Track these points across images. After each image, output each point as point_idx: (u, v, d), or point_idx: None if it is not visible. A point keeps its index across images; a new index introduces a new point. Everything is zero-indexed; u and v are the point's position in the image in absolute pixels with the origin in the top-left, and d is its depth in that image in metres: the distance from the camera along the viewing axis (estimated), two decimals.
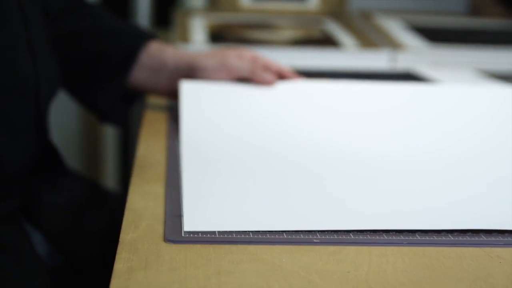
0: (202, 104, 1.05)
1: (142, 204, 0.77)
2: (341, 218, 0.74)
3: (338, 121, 1.03)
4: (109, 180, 2.27)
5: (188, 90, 1.08)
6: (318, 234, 0.70)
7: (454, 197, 0.81)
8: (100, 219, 1.09)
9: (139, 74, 1.13)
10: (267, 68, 1.13)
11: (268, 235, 0.70)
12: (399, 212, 0.76)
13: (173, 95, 1.12)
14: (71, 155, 2.11)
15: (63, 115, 2.12)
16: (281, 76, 1.14)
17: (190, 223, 0.71)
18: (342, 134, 0.99)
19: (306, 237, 0.70)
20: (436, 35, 1.67)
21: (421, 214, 0.76)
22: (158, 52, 1.14)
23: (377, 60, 1.47)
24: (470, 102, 1.10)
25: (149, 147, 0.95)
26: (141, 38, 1.15)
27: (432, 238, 0.70)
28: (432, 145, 0.97)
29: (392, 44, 1.56)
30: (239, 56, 1.13)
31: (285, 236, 0.70)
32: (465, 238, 0.71)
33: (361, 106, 1.08)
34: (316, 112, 1.06)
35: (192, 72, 1.11)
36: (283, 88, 1.11)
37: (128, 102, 1.17)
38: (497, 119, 1.06)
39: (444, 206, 0.78)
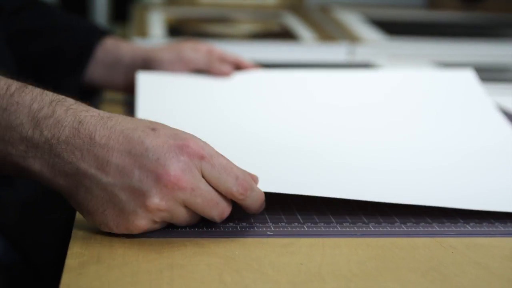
0: (159, 94, 1.05)
1: None
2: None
3: (295, 108, 1.04)
4: None
5: (145, 80, 1.07)
6: (272, 227, 0.70)
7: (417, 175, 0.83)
8: (57, 215, 1.08)
9: (95, 70, 1.13)
10: (223, 59, 1.13)
11: (221, 228, 0.70)
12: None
13: (129, 90, 1.12)
14: None
15: None
16: (238, 66, 1.14)
17: None
18: (299, 121, 1.00)
19: (260, 229, 0.70)
20: (394, 28, 1.68)
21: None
22: (114, 48, 1.13)
23: (336, 53, 1.48)
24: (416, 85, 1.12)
25: None
26: (96, 34, 1.15)
27: (385, 229, 0.71)
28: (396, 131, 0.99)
29: (350, 37, 1.57)
30: (194, 49, 1.13)
31: (239, 229, 0.70)
32: (418, 229, 0.71)
33: (318, 94, 1.08)
34: (273, 100, 1.06)
35: (148, 66, 1.11)
36: (240, 78, 1.12)
37: (85, 99, 1.16)
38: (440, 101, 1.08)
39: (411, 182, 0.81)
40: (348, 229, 0.71)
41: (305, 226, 0.71)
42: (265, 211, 0.73)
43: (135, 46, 1.15)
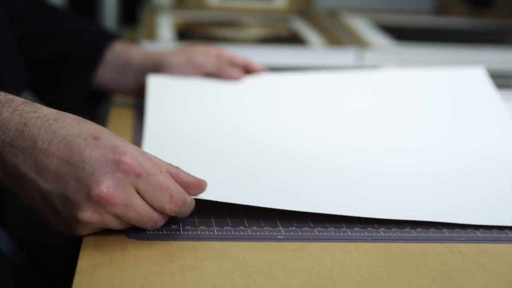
0: (169, 98, 1.05)
1: None
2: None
3: (306, 111, 1.04)
4: None
5: (155, 84, 1.08)
6: (282, 231, 0.71)
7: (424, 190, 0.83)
8: None
9: (105, 74, 1.13)
10: (232, 63, 1.13)
11: (232, 231, 0.70)
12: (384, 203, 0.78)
13: (139, 94, 1.12)
14: None
15: None
16: (248, 70, 1.15)
17: None
18: (311, 124, 1.00)
19: (270, 233, 0.70)
20: (402, 34, 1.68)
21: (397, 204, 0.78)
22: (124, 51, 1.14)
23: (344, 58, 1.48)
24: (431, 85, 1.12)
25: None
26: (106, 38, 1.15)
27: (395, 234, 0.71)
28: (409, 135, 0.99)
29: (359, 42, 1.57)
30: (204, 52, 1.13)
31: (249, 233, 0.70)
32: (428, 234, 0.71)
33: (329, 96, 1.09)
34: (283, 104, 1.06)
35: (158, 70, 1.11)
36: (249, 82, 1.12)
37: (94, 102, 1.17)
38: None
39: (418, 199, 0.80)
40: (358, 234, 0.71)
41: (315, 231, 0.71)
42: (275, 215, 0.73)
43: (145, 50, 1.16)
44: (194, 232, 0.70)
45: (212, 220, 0.72)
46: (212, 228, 0.70)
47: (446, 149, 0.95)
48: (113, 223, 0.68)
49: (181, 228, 0.70)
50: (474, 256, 0.68)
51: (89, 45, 1.14)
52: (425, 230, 0.72)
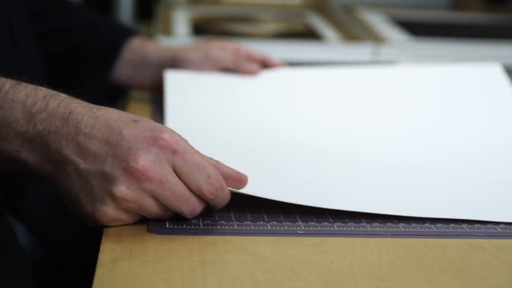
0: (187, 93, 1.05)
1: None
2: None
3: (324, 106, 1.04)
4: None
5: (173, 79, 1.08)
6: (302, 226, 0.71)
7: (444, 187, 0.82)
8: None
9: (123, 69, 1.14)
10: (250, 57, 1.14)
11: (252, 226, 0.70)
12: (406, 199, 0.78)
13: (156, 89, 1.12)
14: None
15: None
16: (265, 64, 1.15)
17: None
18: (329, 119, 1.00)
19: (290, 228, 0.70)
20: (418, 29, 1.67)
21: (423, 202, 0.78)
22: (141, 47, 1.14)
23: (360, 53, 1.48)
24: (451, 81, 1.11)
25: None
26: (124, 34, 1.16)
27: (415, 230, 0.71)
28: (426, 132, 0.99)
29: (374, 37, 1.57)
30: (222, 48, 1.13)
31: (269, 228, 0.70)
32: (448, 230, 0.71)
33: (347, 91, 1.09)
34: (302, 98, 1.06)
35: (176, 65, 1.11)
36: (267, 76, 1.12)
37: (111, 97, 1.17)
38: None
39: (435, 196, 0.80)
40: (378, 229, 0.71)
41: (335, 226, 0.71)
42: (295, 210, 0.74)
43: (162, 45, 1.16)
44: (214, 227, 0.70)
45: (232, 215, 0.72)
46: (231, 223, 0.70)
47: (462, 146, 0.94)
48: (149, 203, 0.67)
49: (200, 223, 0.70)
50: (494, 252, 0.67)
51: (107, 40, 1.14)
52: (445, 226, 0.72)
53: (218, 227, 0.70)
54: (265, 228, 0.70)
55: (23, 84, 0.72)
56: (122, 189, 0.66)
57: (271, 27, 1.73)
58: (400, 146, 0.94)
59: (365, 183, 0.81)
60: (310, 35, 1.64)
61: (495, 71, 1.11)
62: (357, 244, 0.68)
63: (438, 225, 0.72)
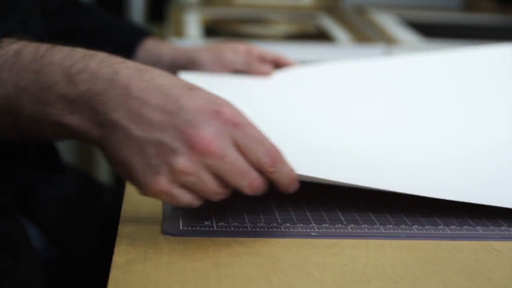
0: None
1: (140, 197, 0.76)
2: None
3: (340, 102, 1.04)
4: (103, 173, 2.27)
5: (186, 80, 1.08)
6: (315, 227, 0.71)
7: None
8: (95, 212, 1.09)
9: None
10: (262, 58, 1.14)
11: (265, 228, 0.70)
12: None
13: None
14: (65, 148, 2.10)
15: None
16: (278, 64, 1.15)
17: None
18: (348, 114, 1.00)
19: (304, 230, 0.70)
20: (430, 30, 1.67)
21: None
22: (155, 48, 1.14)
23: (372, 55, 1.48)
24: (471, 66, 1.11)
25: None
26: (137, 34, 1.16)
27: (429, 232, 0.71)
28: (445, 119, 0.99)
29: (386, 39, 1.57)
30: (234, 50, 1.13)
31: (283, 229, 0.70)
32: (462, 232, 0.71)
33: (363, 84, 1.08)
34: (316, 95, 1.06)
35: (189, 67, 1.12)
36: (279, 76, 1.12)
37: None
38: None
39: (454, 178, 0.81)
40: (391, 231, 0.71)
41: (348, 228, 0.71)
42: (307, 211, 0.74)
43: (176, 46, 1.16)
44: (228, 229, 0.70)
45: (246, 217, 0.72)
46: (245, 225, 0.70)
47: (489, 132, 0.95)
48: (207, 178, 0.65)
49: (214, 225, 0.70)
50: (509, 254, 0.67)
51: (120, 40, 1.14)
52: (458, 228, 0.72)
53: (232, 229, 0.70)
54: (279, 230, 0.70)
55: (58, 47, 0.69)
56: (182, 161, 0.64)
57: (283, 28, 1.73)
58: (431, 133, 0.95)
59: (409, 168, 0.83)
60: (321, 36, 1.63)
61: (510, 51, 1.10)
62: (371, 246, 0.68)
63: (452, 227, 0.72)
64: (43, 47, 0.69)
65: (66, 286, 0.99)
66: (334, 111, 1.01)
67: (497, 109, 1.00)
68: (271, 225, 0.71)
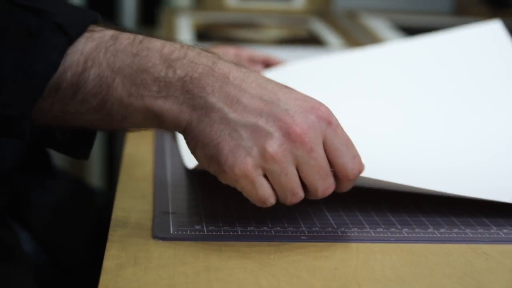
0: None
1: (130, 202, 0.77)
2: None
3: (338, 93, 1.03)
4: (95, 178, 2.27)
5: None
6: (306, 231, 0.71)
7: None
8: (87, 217, 1.09)
9: None
10: (252, 59, 1.14)
11: (256, 232, 0.70)
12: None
13: None
14: (57, 153, 2.10)
15: None
16: (268, 64, 1.15)
17: None
18: (349, 107, 1.00)
19: (294, 234, 0.70)
20: (421, 35, 1.68)
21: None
22: None
23: None
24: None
25: (136, 146, 0.96)
26: None
27: (419, 235, 0.71)
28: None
29: (377, 43, 1.57)
30: (223, 53, 1.13)
31: (273, 233, 0.70)
32: (451, 235, 0.71)
33: (359, 75, 1.08)
34: (313, 88, 1.06)
35: None
36: (271, 74, 1.12)
37: None
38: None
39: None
40: (381, 235, 0.71)
41: (338, 231, 0.71)
42: (298, 215, 0.74)
43: None
44: (218, 233, 0.70)
45: (236, 221, 0.72)
46: (235, 229, 0.71)
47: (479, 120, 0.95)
48: (291, 169, 0.66)
49: (204, 229, 0.70)
50: (498, 257, 0.67)
51: None
52: (448, 231, 0.72)
53: (222, 233, 0.70)
54: (269, 234, 0.70)
55: (155, 37, 0.69)
56: (275, 146, 0.65)
57: (274, 33, 1.73)
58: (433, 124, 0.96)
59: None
60: (313, 41, 1.64)
61: (495, 28, 1.08)
62: (361, 250, 0.68)
63: (442, 230, 0.72)
64: (141, 35, 0.69)
65: None
66: (332, 102, 1.01)
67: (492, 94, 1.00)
68: (262, 229, 0.71)
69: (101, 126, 0.70)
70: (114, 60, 0.66)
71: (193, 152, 0.68)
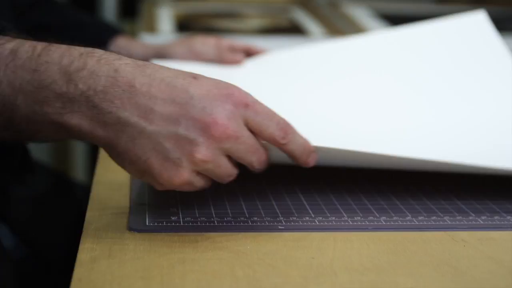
0: None
1: (107, 193, 0.76)
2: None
3: (322, 79, 1.03)
4: (78, 172, 2.26)
5: None
6: (283, 221, 0.70)
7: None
8: (67, 211, 1.08)
9: None
10: (232, 49, 1.14)
11: (232, 222, 0.70)
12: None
13: None
14: (39, 147, 2.09)
15: None
16: (248, 53, 1.15)
17: None
18: (335, 89, 1.00)
19: (271, 224, 0.70)
20: (403, 22, 1.67)
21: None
22: (126, 45, 1.14)
23: None
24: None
25: None
26: (109, 32, 1.16)
27: (396, 223, 0.71)
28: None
29: (359, 31, 1.56)
30: (203, 42, 1.14)
31: (250, 224, 0.70)
32: (429, 223, 0.71)
33: (332, 63, 1.08)
34: (295, 75, 1.06)
35: None
36: (254, 62, 1.12)
37: None
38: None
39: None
40: (359, 223, 0.70)
41: (316, 220, 0.71)
42: (276, 205, 0.73)
43: (147, 44, 1.16)
44: (194, 224, 0.69)
45: (213, 211, 0.72)
46: (212, 220, 0.70)
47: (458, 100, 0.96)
48: (223, 162, 0.66)
49: (181, 220, 0.70)
50: (476, 244, 0.67)
51: (91, 38, 1.14)
52: (426, 219, 0.72)
53: (199, 224, 0.69)
54: (246, 224, 0.70)
55: (55, 45, 0.68)
56: (202, 150, 0.64)
57: (256, 22, 1.72)
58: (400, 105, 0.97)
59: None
60: (294, 30, 1.63)
61: (480, 19, 1.08)
62: (338, 239, 0.67)
63: (420, 218, 0.72)
64: (40, 46, 0.68)
65: (37, 285, 0.98)
66: (317, 89, 1.01)
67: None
68: (238, 219, 0.70)
69: (17, 141, 0.69)
70: (14, 77, 0.65)
71: (123, 167, 0.67)
